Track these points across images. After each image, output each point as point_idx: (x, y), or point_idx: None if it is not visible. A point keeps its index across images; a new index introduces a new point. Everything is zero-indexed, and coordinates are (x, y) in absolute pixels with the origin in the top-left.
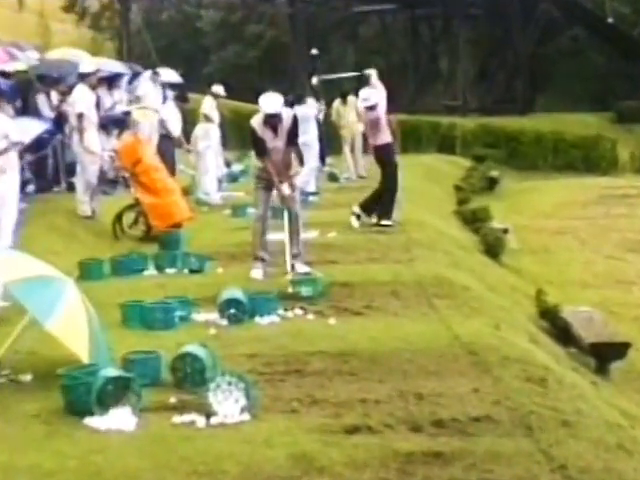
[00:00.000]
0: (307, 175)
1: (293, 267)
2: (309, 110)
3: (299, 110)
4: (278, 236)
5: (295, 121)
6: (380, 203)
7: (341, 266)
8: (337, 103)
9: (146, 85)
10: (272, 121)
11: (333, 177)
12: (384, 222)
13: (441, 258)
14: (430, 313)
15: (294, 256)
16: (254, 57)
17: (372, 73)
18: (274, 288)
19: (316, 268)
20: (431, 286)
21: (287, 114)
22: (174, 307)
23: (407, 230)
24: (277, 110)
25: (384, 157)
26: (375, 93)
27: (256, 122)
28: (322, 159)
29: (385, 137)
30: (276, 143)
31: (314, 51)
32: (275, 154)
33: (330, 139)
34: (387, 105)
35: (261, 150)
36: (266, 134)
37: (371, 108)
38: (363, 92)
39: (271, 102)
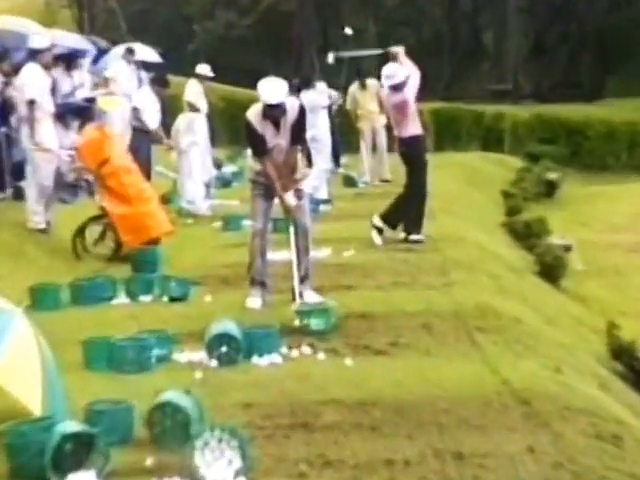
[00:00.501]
0: (317, 179)
1: (300, 294)
2: (319, 97)
3: (307, 97)
4: (281, 255)
5: (302, 112)
6: (407, 213)
7: (360, 293)
8: (354, 87)
9: (116, 65)
10: (273, 113)
11: (349, 181)
12: (413, 237)
13: (485, 283)
14: (472, 352)
15: (301, 280)
16: (249, 28)
17: (399, 51)
18: (276, 320)
19: (328, 295)
20: (473, 318)
21: (292, 104)
22: (150, 344)
23: (442, 247)
24: (279, 100)
25: (411, 153)
26: (402, 69)
27: (253, 114)
28: (336, 159)
29: (414, 128)
30: (278, 140)
31: (348, 30)
32: (277, 154)
33: (345, 133)
34: (417, 91)
35: (259, 149)
36: (266, 129)
37: (396, 88)
38: (387, 68)
39: (272, 89)
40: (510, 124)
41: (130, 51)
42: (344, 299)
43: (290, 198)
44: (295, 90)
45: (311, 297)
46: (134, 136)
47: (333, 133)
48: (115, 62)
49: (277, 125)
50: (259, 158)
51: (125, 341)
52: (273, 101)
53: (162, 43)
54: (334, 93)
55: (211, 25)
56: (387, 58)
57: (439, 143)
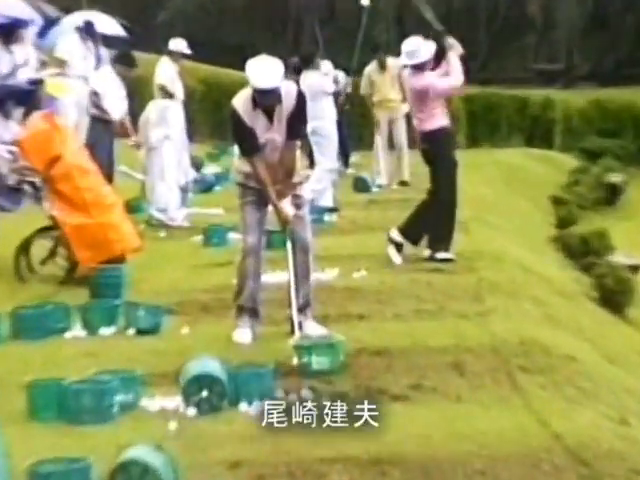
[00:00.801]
0: (320, 182)
1: (300, 326)
2: (323, 81)
3: (308, 81)
4: (277, 277)
5: (301, 100)
6: (432, 225)
7: (374, 324)
8: (371, 68)
9: (69, 40)
10: (266, 101)
11: (361, 184)
12: (440, 255)
13: (531, 311)
14: (513, 397)
15: (301, 309)
16: None
17: (454, 44)
18: (269, 358)
19: (335, 327)
20: (515, 355)
21: (288, 89)
22: (112, 388)
23: (476, 267)
24: (273, 84)
25: (435, 150)
26: (427, 45)
27: (241, 103)
28: (344, 157)
29: (438, 119)
30: (272, 135)
31: (364, 1)
32: (270, 152)
33: (356, 125)
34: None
35: (249, 146)
36: (256, 121)
37: (418, 68)
38: (408, 42)
39: (264, 71)
40: (562, 113)
41: (87, 23)
42: (354, 331)
43: (287, 207)
44: (293, 71)
45: (313, 329)
46: (93, 128)
47: (340, 125)
48: (67, 36)
49: (270, 116)
50: (248, 157)
51: (81, 384)
52: (265, 86)
53: (127, 11)
54: (342, 76)
55: None
56: (436, 41)
57: (472, 137)
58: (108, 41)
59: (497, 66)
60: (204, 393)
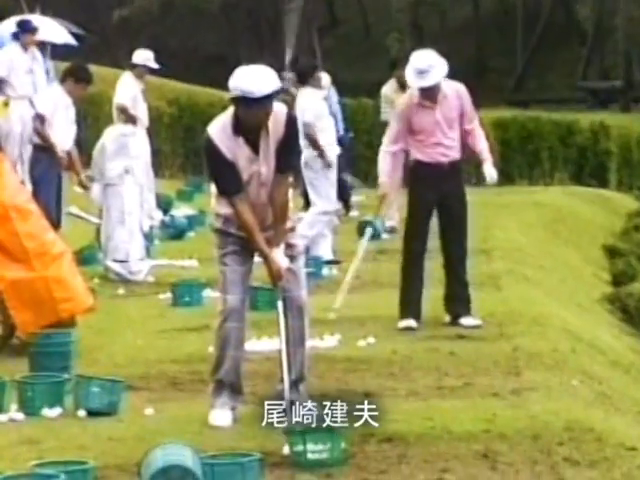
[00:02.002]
0: (313, 227)
1: (292, 405)
2: (318, 97)
3: (304, 100)
4: (263, 345)
5: (292, 124)
6: (455, 283)
7: (385, 402)
8: (388, 88)
9: (9, 50)
10: (253, 116)
11: (369, 229)
12: (466, 320)
13: (579, 388)
14: None
15: (294, 384)
16: None
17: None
18: (254, 446)
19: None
20: (559, 443)
21: (277, 112)
22: None
23: (511, 333)
24: (266, 91)
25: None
26: (441, 61)
27: (218, 130)
28: (343, 199)
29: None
30: (257, 168)
31: None
32: (257, 189)
33: (362, 157)
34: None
35: (229, 183)
36: (238, 152)
37: (430, 91)
38: (420, 57)
39: (256, 76)
40: (619, 142)
41: (28, 28)
42: (359, 413)
43: (280, 258)
44: (291, 85)
45: (309, 409)
46: (36, 160)
47: (344, 153)
48: (4, 45)
49: (255, 145)
50: (228, 197)
51: (18, 479)
52: (256, 92)
53: (77, 15)
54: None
55: None
56: None
57: (506, 172)
58: (56, 52)
59: (537, 84)
60: None
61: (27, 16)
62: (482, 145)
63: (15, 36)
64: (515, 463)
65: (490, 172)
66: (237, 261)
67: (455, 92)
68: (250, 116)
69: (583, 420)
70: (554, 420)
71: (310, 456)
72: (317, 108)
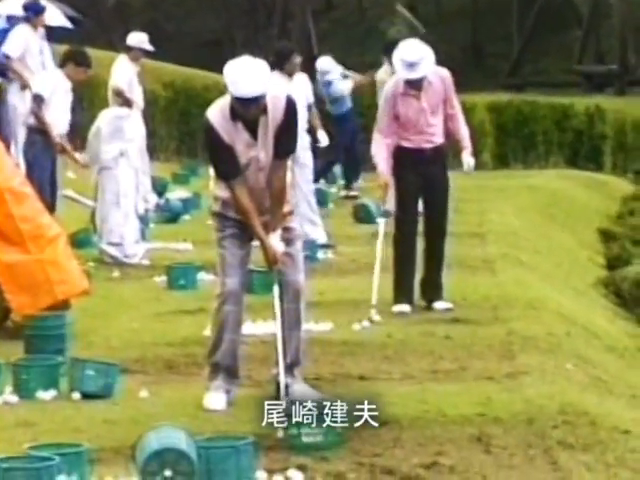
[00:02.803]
0: (311, 211)
1: (287, 389)
2: (284, 83)
3: (300, 83)
4: (258, 329)
5: (291, 109)
6: (431, 269)
7: (378, 386)
8: (383, 72)
9: (22, 30)
10: (248, 112)
11: (363, 214)
12: (438, 304)
13: (573, 372)
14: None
15: (289, 368)
16: None
17: None
18: (249, 429)
19: (329, 390)
20: (554, 427)
21: (276, 97)
22: (52, 467)
23: (506, 317)
24: (257, 92)
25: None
26: (428, 52)
27: (217, 114)
28: (348, 178)
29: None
30: (256, 153)
31: None
32: (255, 174)
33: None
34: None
35: (227, 168)
36: (237, 137)
37: (417, 82)
38: (407, 48)
39: (246, 76)
40: (614, 125)
41: (38, 9)
42: (354, 396)
43: (276, 242)
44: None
45: (303, 393)
46: (31, 142)
47: (343, 140)
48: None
49: (254, 130)
50: (227, 181)
51: (12, 462)
52: (247, 94)
53: None
54: (349, 74)
55: None
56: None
57: (501, 156)
58: (52, 35)
59: (533, 68)
60: (167, 473)
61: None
62: (463, 132)
63: (26, 19)
64: (509, 447)
65: (468, 161)
66: (235, 244)
67: (439, 78)
68: (243, 111)
69: (577, 404)
70: (548, 404)
71: (305, 439)
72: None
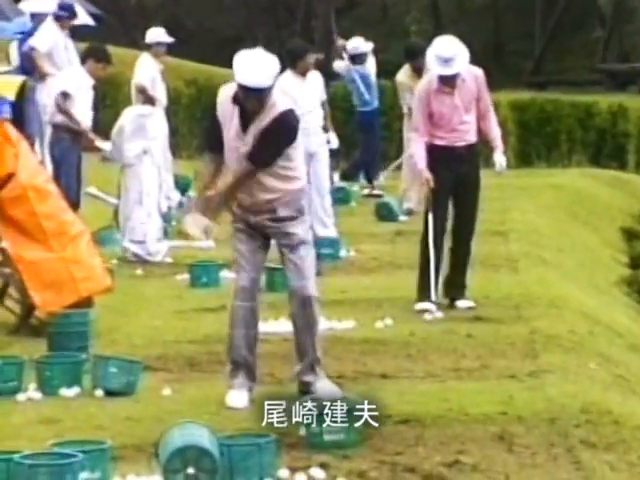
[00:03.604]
0: (324, 211)
1: (307, 387)
2: (296, 84)
3: (282, 83)
4: (280, 327)
5: (276, 121)
6: (455, 268)
7: (400, 385)
8: (403, 72)
9: (50, 27)
10: (247, 101)
11: (385, 211)
12: (461, 303)
13: (596, 371)
14: (575, 479)
15: (311, 366)
16: None
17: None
18: (271, 427)
19: (351, 389)
20: (576, 426)
21: (276, 104)
22: (75, 464)
23: (528, 316)
24: (261, 82)
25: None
26: (463, 48)
27: (225, 93)
28: (369, 177)
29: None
30: (239, 145)
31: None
32: (237, 163)
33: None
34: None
35: (207, 138)
36: (230, 120)
37: (451, 78)
38: (443, 44)
39: (253, 66)
40: (637, 124)
41: (72, 12)
42: (376, 394)
43: (192, 223)
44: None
45: (325, 390)
46: (57, 140)
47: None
48: (45, 25)
49: (246, 123)
50: (204, 150)
51: (36, 458)
52: (250, 82)
53: None
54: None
55: None
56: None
57: (524, 155)
58: (75, 33)
59: (555, 66)
60: (190, 470)
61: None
62: (495, 132)
63: (56, 17)
64: (532, 445)
65: (500, 160)
66: (245, 240)
67: (473, 77)
68: (243, 99)
69: (600, 403)
70: (571, 403)
71: (327, 437)
72: (294, 95)
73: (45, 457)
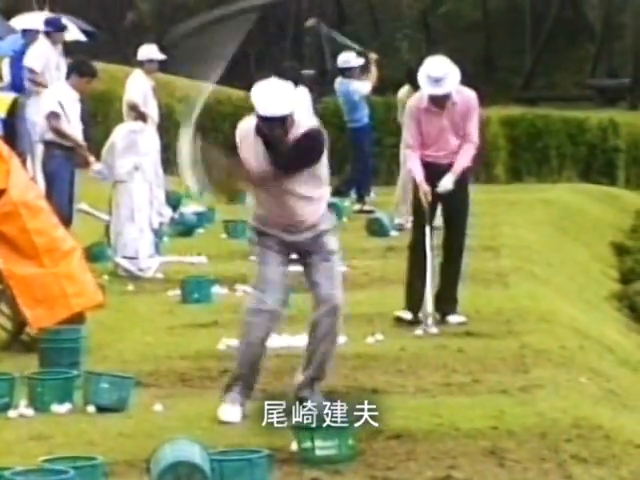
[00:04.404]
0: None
1: (302, 401)
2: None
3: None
4: (274, 342)
5: (304, 136)
6: (445, 283)
7: (392, 399)
8: (404, 91)
9: (42, 45)
10: (271, 130)
11: (377, 227)
12: (452, 318)
13: (587, 386)
14: None
15: (311, 381)
16: None
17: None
18: (263, 442)
19: (344, 401)
20: (567, 440)
21: (302, 124)
22: (67, 479)
23: (519, 331)
24: (283, 111)
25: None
26: (454, 68)
27: (244, 129)
28: (360, 193)
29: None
30: (267, 170)
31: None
32: (275, 190)
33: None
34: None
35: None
36: (255, 153)
37: (441, 99)
38: (434, 64)
39: (272, 96)
40: (627, 139)
41: (59, 26)
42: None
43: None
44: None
45: (309, 409)
46: (49, 156)
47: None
48: (37, 41)
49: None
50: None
51: (27, 475)
52: (272, 112)
53: (88, 12)
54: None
55: None
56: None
57: (515, 170)
58: (66, 49)
59: (545, 82)
60: None
61: (48, 14)
62: (461, 161)
63: (46, 33)
64: (523, 460)
65: (446, 184)
66: (271, 260)
67: (465, 102)
68: (267, 130)
69: (591, 417)
70: (562, 417)
71: (318, 452)
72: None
73: (36, 473)
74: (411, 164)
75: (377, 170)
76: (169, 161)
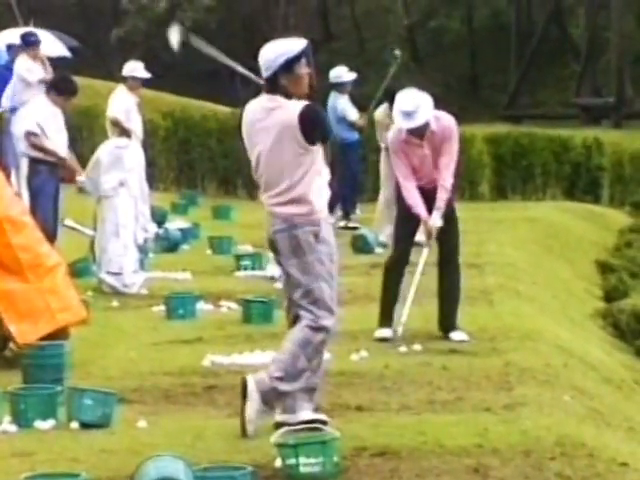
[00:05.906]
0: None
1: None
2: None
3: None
4: (256, 359)
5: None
6: (443, 299)
7: (376, 417)
8: (382, 112)
9: (23, 61)
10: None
11: (361, 244)
12: (455, 335)
13: (571, 404)
14: None
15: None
16: (209, 10)
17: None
18: (246, 459)
19: (328, 421)
20: (551, 458)
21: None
22: None
23: (503, 349)
24: None
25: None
26: (426, 100)
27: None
28: (346, 210)
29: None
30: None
31: (397, 52)
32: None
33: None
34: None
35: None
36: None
37: (417, 130)
38: (404, 99)
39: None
40: (611, 158)
41: (28, 42)
42: (351, 426)
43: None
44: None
45: (302, 421)
46: (34, 172)
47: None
48: (19, 57)
49: None
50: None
51: None
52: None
53: (69, 25)
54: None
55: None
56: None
57: (499, 188)
58: (51, 64)
59: (530, 100)
60: None
61: (26, 29)
62: (441, 195)
63: (21, 48)
64: (507, 478)
65: (434, 222)
66: (326, 260)
67: (442, 130)
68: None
69: (575, 435)
70: (546, 435)
71: (302, 469)
72: None
73: None
74: (410, 199)
75: (363, 187)
76: (154, 177)
